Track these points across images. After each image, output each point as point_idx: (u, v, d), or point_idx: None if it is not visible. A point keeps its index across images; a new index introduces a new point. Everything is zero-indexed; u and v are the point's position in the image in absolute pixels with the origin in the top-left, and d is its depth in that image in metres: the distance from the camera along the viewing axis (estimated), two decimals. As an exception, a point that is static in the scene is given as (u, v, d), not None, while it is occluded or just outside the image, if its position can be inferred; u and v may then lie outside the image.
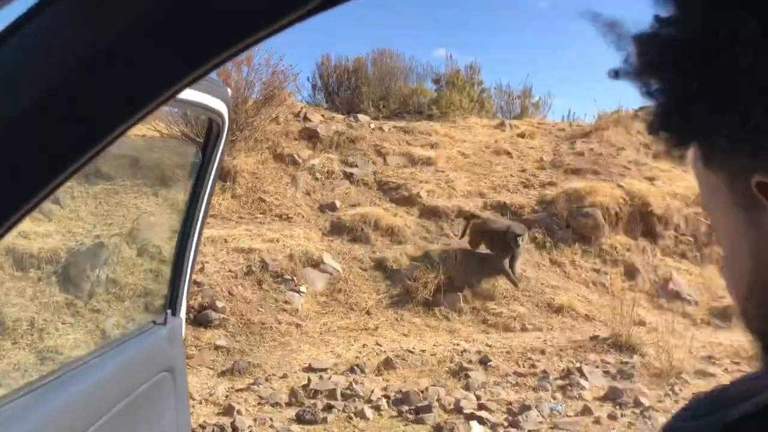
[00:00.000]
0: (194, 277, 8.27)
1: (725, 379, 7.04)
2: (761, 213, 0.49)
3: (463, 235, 9.46)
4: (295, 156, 11.30)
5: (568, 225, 10.14)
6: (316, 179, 11.02)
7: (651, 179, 11.08)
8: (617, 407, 6.30)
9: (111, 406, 1.40)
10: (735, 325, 8.73)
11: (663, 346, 7.38)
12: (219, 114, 1.63)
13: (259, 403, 6.25)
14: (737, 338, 8.33)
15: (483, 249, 9.27)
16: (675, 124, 0.51)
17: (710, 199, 0.56)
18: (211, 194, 1.79)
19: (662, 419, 6.01)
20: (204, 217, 1.83)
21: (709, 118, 0.48)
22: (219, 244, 8.96)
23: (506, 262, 9.01)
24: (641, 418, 6.05)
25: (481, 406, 6.21)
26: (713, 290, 9.34)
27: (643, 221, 10.15)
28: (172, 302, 1.74)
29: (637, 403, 6.31)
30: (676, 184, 10.97)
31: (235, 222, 9.78)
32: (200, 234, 1.84)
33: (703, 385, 6.84)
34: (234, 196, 10.35)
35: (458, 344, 7.86)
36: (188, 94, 1.48)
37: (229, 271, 8.50)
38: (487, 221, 9.57)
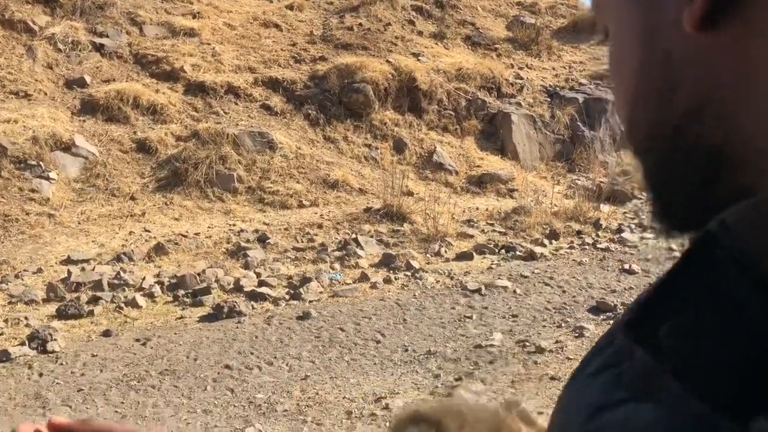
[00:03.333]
0: None
1: (482, 239, 7.76)
2: None
3: None
4: (30, 23, 9.65)
5: (340, 101, 10.12)
6: (59, 51, 9.59)
7: (416, 55, 11.38)
8: (391, 271, 6.64)
9: None
10: (489, 191, 9.60)
11: (429, 214, 7.87)
12: None
13: (9, 303, 5.53)
14: (491, 203, 9.19)
15: None
16: None
17: None
18: None
19: (431, 279, 6.47)
20: None
21: None
22: (-62, 127, 7.50)
23: None
24: (413, 279, 6.44)
25: (261, 283, 6.15)
26: (471, 160, 10.10)
27: (409, 96, 10.47)
28: None
29: (409, 266, 6.70)
30: (439, 60, 11.42)
31: (-42, 100, 8.23)
32: None
33: (465, 245, 7.47)
34: (-48, 70, 8.64)
35: (234, 225, 7.63)
36: None
37: (-44, 157, 7.20)
38: None
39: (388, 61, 10.78)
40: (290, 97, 10.01)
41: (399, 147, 9.94)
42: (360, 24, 11.89)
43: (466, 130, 10.59)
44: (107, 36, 10.12)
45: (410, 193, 8.74)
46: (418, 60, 11.18)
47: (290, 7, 12.14)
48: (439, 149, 10.01)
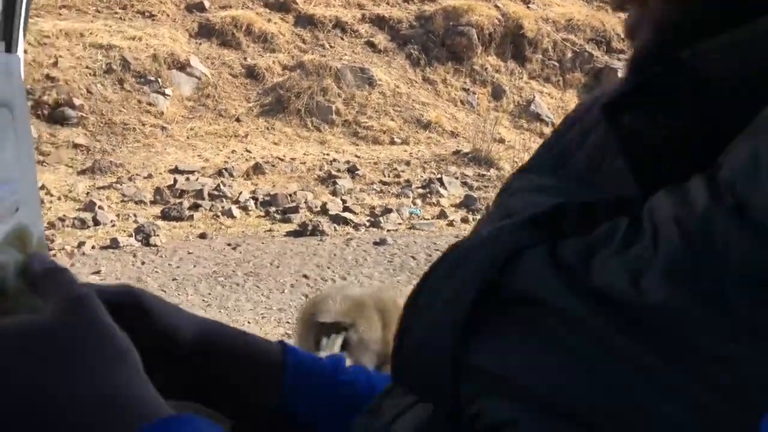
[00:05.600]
0: (47, 71, 7.65)
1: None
2: None
3: None
4: (159, -53, 10.22)
5: (443, 43, 10.17)
6: (183, -25, 10.13)
7: (526, 2, 11.17)
8: (470, 213, 6.83)
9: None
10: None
11: (518, 161, 7.92)
12: None
13: (122, 201, 6.17)
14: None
15: None
16: None
17: None
18: None
19: (509, 223, 6.61)
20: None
21: None
22: (74, 39, 8.22)
23: None
24: (491, 222, 6.60)
25: (346, 209, 6.51)
26: (569, 114, 9.95)
27: (513, 44, 10.37)
28: (5, 35, 1.59)
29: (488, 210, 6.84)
30: (549, 9, 11.16)
31: (92, 16, 8.94)
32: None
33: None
34: (89, -13, 9.36)
35: (328, 154, 8.00)
36: None
37: (87, 68, 7.91)
38: None
39: (496, 6, 10.66)
40: (394, 36, 10.16)
41: (497, 93, 9.93)
42: (473, -33, 11.74)
43: (568, 82, 10.40)
44: (228, -36, 10.56)
45: (501, 140, 8.79)
46: (528, 7, 10.99)
47: (405, -54, 12.13)
48: (538, 99, 9.92)
